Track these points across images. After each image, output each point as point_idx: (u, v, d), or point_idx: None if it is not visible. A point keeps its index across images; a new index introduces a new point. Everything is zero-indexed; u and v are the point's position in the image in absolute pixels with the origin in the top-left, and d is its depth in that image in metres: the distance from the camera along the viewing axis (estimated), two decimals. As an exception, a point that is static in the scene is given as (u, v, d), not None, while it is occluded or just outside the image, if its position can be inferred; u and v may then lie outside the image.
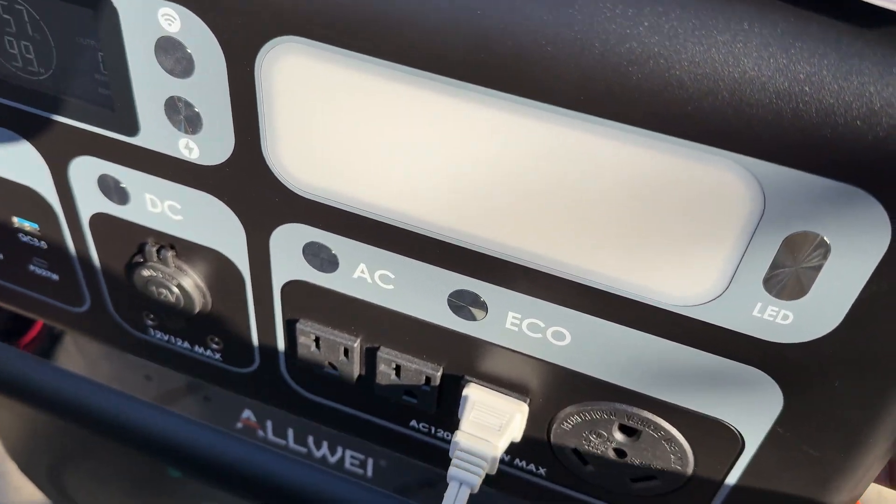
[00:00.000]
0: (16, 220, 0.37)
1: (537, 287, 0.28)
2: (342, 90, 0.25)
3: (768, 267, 0.24)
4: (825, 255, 0.23)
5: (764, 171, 0.22)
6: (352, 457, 0.43)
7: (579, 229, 0.26)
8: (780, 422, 0.28)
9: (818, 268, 0.23)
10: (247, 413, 0.44)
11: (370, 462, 0.43)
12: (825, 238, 0.22)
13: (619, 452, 0.32)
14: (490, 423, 0.31)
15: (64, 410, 0.48)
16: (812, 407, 0.27)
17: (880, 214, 0.21)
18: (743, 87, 0.21)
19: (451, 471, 0.30)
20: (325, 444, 0.43)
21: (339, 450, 0.43)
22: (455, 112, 0.24)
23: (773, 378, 0.27)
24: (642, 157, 0.23)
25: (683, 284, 0.26)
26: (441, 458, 0.37)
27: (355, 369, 0.34)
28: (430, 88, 0.24)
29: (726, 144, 0.22)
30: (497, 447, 0.31)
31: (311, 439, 0.43)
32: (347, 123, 0.26)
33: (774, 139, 0.21)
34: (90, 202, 0.34)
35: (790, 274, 0.24)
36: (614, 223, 0.25)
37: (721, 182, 0.23)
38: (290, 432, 0.43)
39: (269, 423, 0.43)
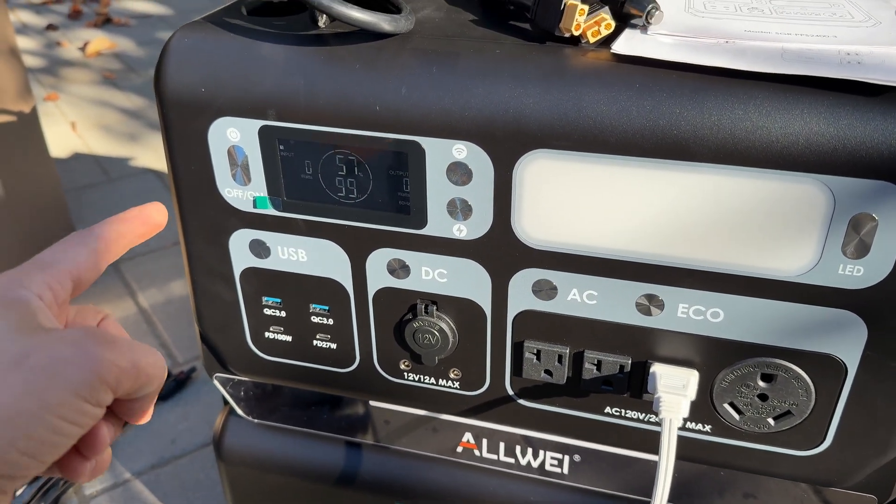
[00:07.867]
0: (311, 307, 0.54)
1: (698, 281, 0.44)
2: (565, 176, 0.43)
3: (843, 239, 0.40)
4: (875, 226, 0.40)
5: (831, 181, 0.39)
6: (551, 457, 0.57)
7: (723, 238, 0.42)
8: (868, 346, 0.43)
9: (873, 234, 0.40)
10: (466, 436, 0.58)
11: (566, 460, 0.57)
12: (874, 215, 0.39)
13: (762, 397, 0.47)
14: (676, 384, 0.46)
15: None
16: (887, 330, 0.43)
17: (901, 195, 0.38)
18: (818, 136, 0.39)
19: (662, 414, 0.45)
20: (529, 451, 0.57)
21: (541, 453, 0.57)
22: (631, 177, 0.42)
23: (857, 315, 0.42)
24: (758, 186, 0.40)
25: (793, 261, 0.42)
26: (629, 439, 0.52)
27: (566, 372, 0.50)
28: (619, 165, 0.42)
29: (809, 169, 0.39)
30: (687, 395, 0.46)
31: (517, 449, 0.58)
32: (566, 196, 0.44)
33: (838, 161, 0.39)
34: (377, 281, 0.51)
35: (857, 241, 0.40)
36: (745, 231, 0.42)
37: (807, 193, 0.40)
38: (502, 446, 0.58)
39: (484, 442, 0.58)
